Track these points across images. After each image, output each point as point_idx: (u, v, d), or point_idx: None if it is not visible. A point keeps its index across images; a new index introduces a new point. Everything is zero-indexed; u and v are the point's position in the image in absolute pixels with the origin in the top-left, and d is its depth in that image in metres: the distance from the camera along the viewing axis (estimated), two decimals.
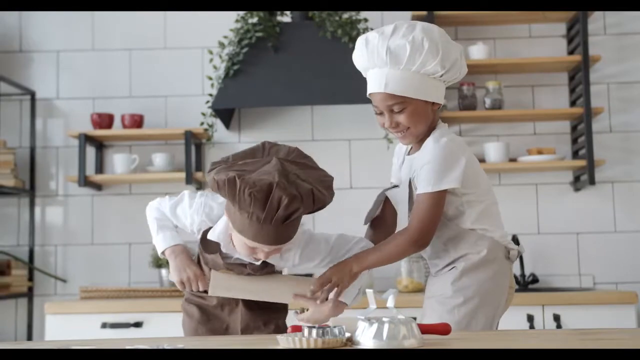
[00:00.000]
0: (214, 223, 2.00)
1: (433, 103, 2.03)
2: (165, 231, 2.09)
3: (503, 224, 2.13)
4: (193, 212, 2.03)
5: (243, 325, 2.11)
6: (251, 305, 2.09)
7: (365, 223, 2.23)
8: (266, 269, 2.02)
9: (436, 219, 1.98)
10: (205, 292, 2.07)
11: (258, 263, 1.98)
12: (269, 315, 2.14)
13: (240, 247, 1.91)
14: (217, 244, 1.99)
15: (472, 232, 2.05)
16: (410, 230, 1.99)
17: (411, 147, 2.15)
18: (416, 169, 2.03)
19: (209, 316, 2.12)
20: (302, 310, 2.06)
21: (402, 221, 2.11)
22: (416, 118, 2.01)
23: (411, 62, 1.95)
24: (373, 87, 2.01)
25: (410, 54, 1.93)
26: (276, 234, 1.82)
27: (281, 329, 2.12)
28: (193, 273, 2.04)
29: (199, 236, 2.05)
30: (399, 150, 2.23)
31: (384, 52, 1.95)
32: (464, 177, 1.99)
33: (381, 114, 2.04)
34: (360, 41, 2.03)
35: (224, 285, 2.03)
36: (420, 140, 2.08)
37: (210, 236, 1.98)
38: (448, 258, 2.09)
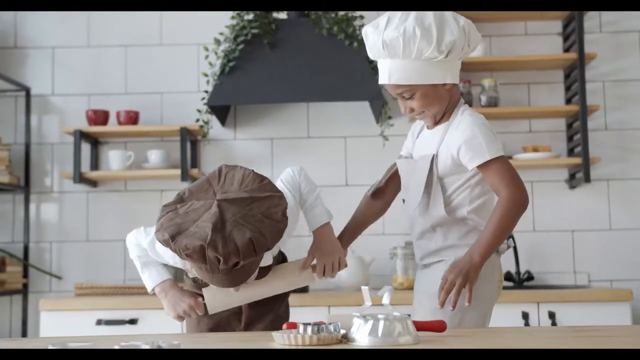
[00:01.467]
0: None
1: (445, 84, 2.04)
2: (150, 268, 2.08)
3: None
4: (173, 256, 1.98)
5: (246, 315, 2.11)
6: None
7: (369, 192, 2.24)
8: (264, 271, 2.02)
9: (516, 175, 2.00)
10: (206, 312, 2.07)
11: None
12: (270, 305, 2.16)
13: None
14: None
15: (463, 223, 2.05)
16: (505, 195, 1.97)
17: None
18: (455, 143, 2.02)
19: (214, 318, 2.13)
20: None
21: (413, 196, 2.09)
22: (427, 101, 2.04)
23: (407, 52, 1.97)
24: (381, 79, 2.06)
25: (404, 45, 1.96)
26: (230, 279, 1.80)
27: (281, 317, 2.16)
28: (187, 305, 2.04)
29: (190, 275, 2.05)
30: (416, 124, 2.23)
31: (381, 45, 1.99)
32: None
33: (396, 99, 2.09)
34: (363, 35, 2.07)
35: (220, 301, 2.03)
36: (441, 119, 2.09)
37: (191, 274, 2.00)
38: (434, 244, 2.09)
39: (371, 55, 2.07)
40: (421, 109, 2.05)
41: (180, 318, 2.07)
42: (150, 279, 2.08)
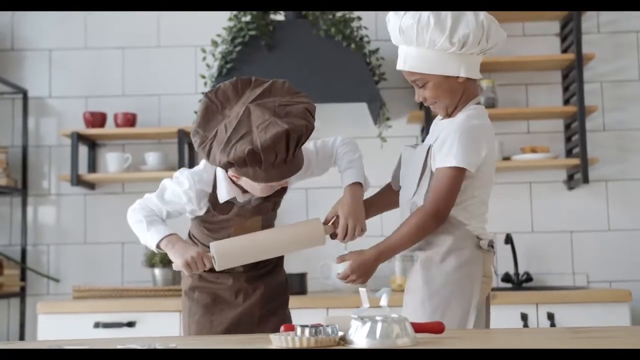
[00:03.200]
0: (209, 187, 2.03)
1: (458, 76, 2.03)
2: (156, 225, 2.07)
3: (485, 219, 2.11)
4: (187, 190, 2.03)
5: (261, 312, 2.11)
6: (266, 288, 2.14)
7: (396, 187, 2.20)
8: (282, 193, 2.10)
9: (454, 193, 1.99)
10: (212, 270, 2.05)
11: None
12: (280, 299, 2.19)
13: (257, 191, 1.97)
14: (229, 204, 2.02)
15: (457, 223, 2.03)
16: (427, 204, 1.99)
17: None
18: (440, 137, 2.03)
19: (222, 304, 2.12)
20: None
21: (408, 183, 2.09)
22: (439, 92, 2.04)
23: (421, 39, 1.99)
24: (398, 63, 2.08)
25: (417, 33, 1.98)
26: (291, 167, 1.91)
27: (288, 315, 2.20)
28: (196, 252, 2.00)
29: (201, 210, 2.05)
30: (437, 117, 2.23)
31: (398, 31, 2.02)
32: (479, 166, 2.01)
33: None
34: (386, 20, 2.09)
35: (228, 254, 1.99)
36: (453, 112, 2.09)
37: (221, 199, 2.02)
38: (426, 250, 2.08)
39: (393, 40, 2.09)
40: (433, 99, 2.06)
41: (187, 267, 2.00)
42: (157, 234, 2.04)
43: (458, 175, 1.98)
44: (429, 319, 1.95)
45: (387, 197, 2.24)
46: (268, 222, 2.15)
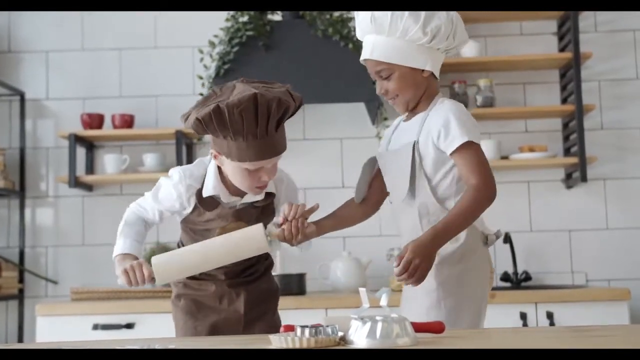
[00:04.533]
0: (199, 183, 2.06)
1: (423, 71, 2.04)
2: (126, 238, 2.11)
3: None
4: (176, 184, 2.06)
5: (246, 318, 2.11)
6: (251, 294, 2.13)
7: (358, 200, 2.21)
8: (268, 200, 2.10)
9: (487, 164, 1.98)
10: (193, 278, 2.10)
11: (261, 197, 2.06)
12: (267, 305, 2.17)
13: (242, 180, 1.98)
14: (215, 200, 2.04)
15: None
16: (474, 182, 1.94)
17: (407, 116, 2.15)
18: (433, 127, 2.00)
19: (206, 310, 2.12)
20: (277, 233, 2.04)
21: (398, 183, 2.07)
22: (403, 84, 2.04)
23: (394, 28, 1.99)
24: (363, 53, 2.08)
25: (391, 21, 1.99)
26: (274, 143, 1.92)
27: (277, 320, 2.18)
28: (136, 262, 2.00)
29: (189, 207, 2.06)
30: (393, 124, 2.22)
31: (369, 19, 2.02)
32: None
33: (375, 83, 2.11)
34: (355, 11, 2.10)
35: (167, 264, 1.95)
36: (414, 110, 2.10)
37: (205, 193, 2.04)
38: None
39: (359, 32, 2.09)
40: (395, 91, 2.05)
41: (126, 275, 1.98)
42: (121, 246, 2.11)
43: (477, 147, 1.98)
44: (445, 319, 1.94)
45: (347, 211, 2.24)
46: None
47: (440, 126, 1.99)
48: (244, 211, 2.08)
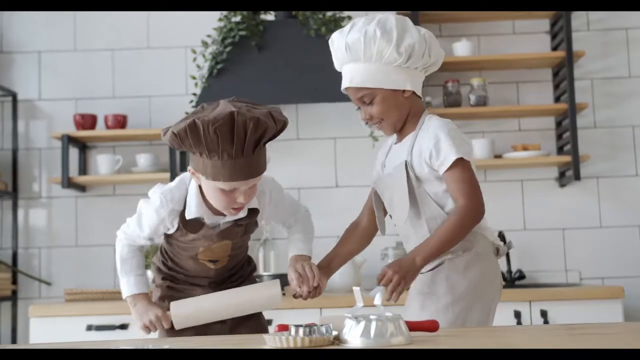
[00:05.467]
0: (181, 205, 2.01)
1: (404, 91, 2.05)
2: (129, 276, 2.10)
3: (486, 220, 2.12)
4: (158, 209, 2.02)
5: (232, 320, 2.11)
6: None
7: (383, 233, 2.21)
8: (252, 217, 2.04)
9: (476, 182, 1.99)
10: (178, 282, 2.12)
11: (244, 214, 2.01)
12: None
13: (218, 200, 1.93)
14: (199, 221, 2.00)
15: None
16: (461, 203, 1.97)
17: (397, 138, 2.16)
18: (424, 146, 2.02)
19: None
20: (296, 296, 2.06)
21: (398, 205, 2.07)
22: (386, 107, 2.05)
23: (368, 53, 2.00)
24: (343, 83, 2.09)
25: (365, 46, 2.00)
26: (249, 165, 1.86)
27: (263, 323, 2.18)
28: (154, 315, 2.04)
29: (173, 229, 2.04)
30: (382, 147, 2.22)
31: (344, 48, 2.03)
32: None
33: (359, 108, 2.10)
34: (329, 43, 2.10)
35: (187, 316, 2.03)
36: (401, 131, 2.11)
37: (189, 216, 1.99)
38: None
39: (337, 64, 2.10)
40: (380, 115, 2.05)
41: (146, 328, 2.06)
42: (127, 286, 2.10)
43: (467, 165, 1.99)
44: (451, 324, 1.95)
45: (349, 247, 2.23)
46: (239, 247, 2.12)
47: (432, 146, 2.00)
48: (228, 230, 2.04)
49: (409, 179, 2.03)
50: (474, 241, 2.03)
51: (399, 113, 2.07)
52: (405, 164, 2.04)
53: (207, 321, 2.07)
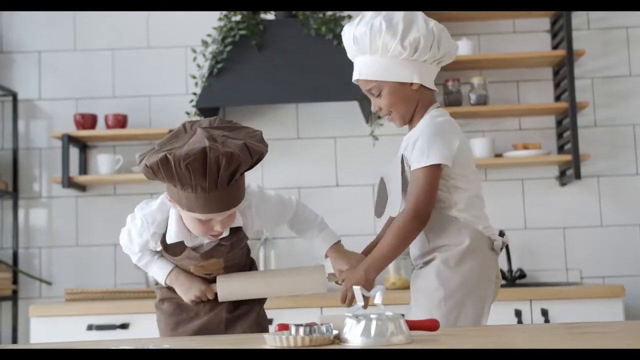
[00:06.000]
0: (163, 228, 1.99)
1: (412, 84, 2.06)
2: (152, 266, 2.11)
3: (487, 216, 2.12)
4: (140, 231, 2.01)
5: (227, 317, 2.11)
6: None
7: (378, 216, 2.20)
8: (236, 235, 2.01)
9: (431, 193, 1.99)
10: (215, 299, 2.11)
11: (226, 234, 1.97)
12: (251, 304, 2.16)
13: (195, 228, 1.90)
14: (180, 245, 1.98)
15: (455, 221, 2.04)
16: (406, 208, 2.00)
17: (408, 129, 2.18)
18: (409, 143, 2.06)
19: (189, 311, 2.12)
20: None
21: (393, 197, 2.09)
22: (394, 100, 2.07)
23: (374, 46, 2.03)
24: (354, 75, 2.11)
25: (371, 40, 2.02)
26: (224, 198, 1.82)
27: (261, 317, 2.16)
28: (198, 290, 2.08)
29: (159, 248, 2.03)
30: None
31: (352, 40, 2.06)
32: (456, 157, 2.02)
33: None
34: (342, 34, 2.13)
35: (231, 291, 2.07)
36: (411, 121, 2.12)
37: (169, 240, 1.97)
38: (427, 246, 2.08)
39: (348, 54, 2.13)
40: (388, 108, 2.09)
41: (194, 302, 2.10)
42: (158, 274, 2.11)
43: (432, 173, 1.99)
44: (445, 319, 1.96)
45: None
46: (232, 259, 2.10)
47: (412, 142, 2.04)
48: (213, 250, 2.03)
49: (403, 173, 2.04)
50: (466, 235, 2.03)
51: (407, 105, 2.08)
52: (402, 158, 2.06)
53: (250, 297, 2.12)
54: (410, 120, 2.12)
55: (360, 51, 2.06)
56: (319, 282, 2.09)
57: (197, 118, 3.73)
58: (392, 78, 2.05)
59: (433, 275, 2.03)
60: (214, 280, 2.09)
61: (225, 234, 1.98)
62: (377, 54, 2.03)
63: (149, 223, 1.99)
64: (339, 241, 2.15)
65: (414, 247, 2.13)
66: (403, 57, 2.02)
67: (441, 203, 2.05)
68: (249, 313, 2.15)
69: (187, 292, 2.09)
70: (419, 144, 2.01)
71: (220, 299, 2.08)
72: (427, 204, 1.98)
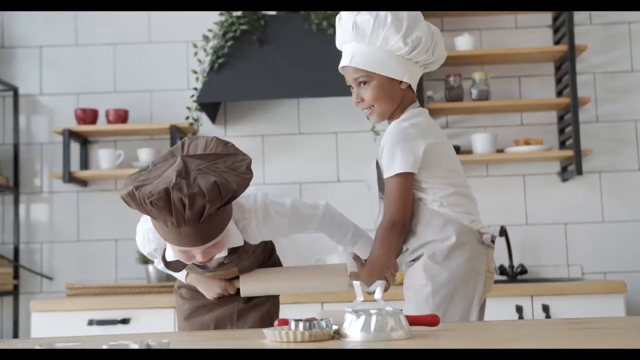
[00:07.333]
0: (163, 244, 1.96)
1: (401, 82, 2.05)
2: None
3: (478, 211, 2.12)
4: (144, 244, 1.99)
5: (239, 307, 2.12)
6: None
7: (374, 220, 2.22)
8: (236, 252, 1.97)
9: (404, 201, 2.01)
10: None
11: (224, 254, 1.93)
12: (262, 297, 2.16)
13: (177, 255, 1.84)
14: (180, 262, 1.95)
15: (439, 215, 2.04)
16: (384, 219, 2.03)
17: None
18: (381, 148, 2.07)
19: (205, 298, 2.13)
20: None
21: (372, 204, 2.13)
22: (379, 94, 2.05)
23: (375, 36, 2.01)
24: (343, 60, 2.09)
25: (373, 28, 2.00)
26: (197, 233, 1.74)
27: (273, 309, 2.18)
28: (219, 287, 2.10)
29: (161, 262, 2.01)
30: None
31: (351, 26, 2.03)
32: (422, 162, 2.02)
33: (353, 89, 2.11)
34: (336, 19, 2.10)
35: (254, 286, 2.08)
36: (390, 120, 2.12)
37: (167, 257, 1.94)
38: (416, 242, 2.08)
39: (339, 40, 2.10)
40: (372, 101, 2.06)
41: (216, 299, 2.13)
42: (179, 274, 2.13)
43: (401, 181, 2.01)
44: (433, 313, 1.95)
45: None
46: (248, 266, 2.08)
47: (381, 150, 2.05)
48: (220, 266, 2.01)
49: (379, 178, 2.07)
50: (451, 231, 2.02)
51: (390, 103, 2.07)
52: (377, 163, 2.09)
53: (271, 294, 2.14)
54: (389, 118, 2.11)
55: (357, 39, 2.03)
56: (342, 282, 2.09)
57: (199, 113, 3.73)
58: (385, 72, 2.03)
59: (421, 271, 2.03)
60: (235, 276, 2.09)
61: (224, 254, 1.93)
62: (375, 45, 2.01)
63: (149, 239, 1.96)
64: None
65: (404, 244, 2.13)
66: (400, 54, 2.01)
67: (424, 200, 2.05)
68: (263, 304, 2.15)
69: (209, 289, 2.11)
70: (385, 153, 2.03)
71: (242, 295, 2.09)
72: (402, 213, 2.02)
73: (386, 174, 2.02)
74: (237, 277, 2.09)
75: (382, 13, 1.99)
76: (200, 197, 1.67)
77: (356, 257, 2.13)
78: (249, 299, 2.15)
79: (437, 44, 2.05)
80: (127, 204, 1.74)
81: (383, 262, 2.04)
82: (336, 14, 3.59)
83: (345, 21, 2.05)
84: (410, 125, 2.04)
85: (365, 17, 2.00)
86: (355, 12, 2.03)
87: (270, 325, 1.95)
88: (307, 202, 2.07)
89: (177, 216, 1.70)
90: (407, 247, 2.12)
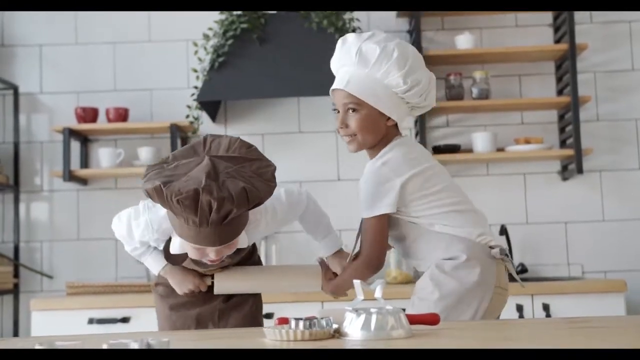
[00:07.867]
0: (167, 236, 1.96)
1: (388, 119, 2.04)
2: (146, 257, 2.09)
3: (483, 222, 2.09)
4: (144, 232, 1.98)
5: (221, 307, 2.11)
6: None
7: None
8: (242, 252, 2.01)
9: (380, 241, 2.04)
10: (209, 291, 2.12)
11: (230, 252, 1.93)
12: (243, 297, 2.17)
13: (189, 251, 1.86)
14: (182, 255, 1.96)
15: (442, 236, 2.02)
16: (360, 257, 2.07)
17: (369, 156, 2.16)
18: (358, 189, 2.07)
19: (182, 296, 2.13)
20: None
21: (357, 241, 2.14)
22: (366, 124, 2.02)
23: (377, 67, 1.99)
24: (336, 83, 2.05)
25: (378, 58, 1.98)
26: (217, 234, 1.77)
27: (256, 309, 2.17)
28: (192, 283, 2.09)
29: (162, 253, 2.02)
30: None
31: (355, 51, 2.00)
32: (403, 196, 2.00)
33: (339, 113, 2.07)
34: (339, 41, 2.07)
35: (227, 285, 2.10)
36: (370, 152, 2.10)
37: (172, 250, 1.94)
38: (425, 265, 2.07)
39: (336, 62, 2.07)
40: (356, 129, 2.03)
41: (188, 295, 2.12)
42: (153, 265, 2.11)
43: (376, 223, 2.02)
44: None
45: None
46: (235, 263, 2.10)
47: (358, 190, 2.05)
48: (215, 265, 2.03)
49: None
50: (460, 249, 2.00)
51: (373, 136, 2.05)
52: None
53: (244, 292, 2.15)
54: (370, 150, 2.09)
55: (358, 65, 2.00)
56: (314, 283, 2.15)
57: (199, 112, 3.73)
58: (377, 104, 2.00)
59: (428, 279, 2.02)
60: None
61: (230, 252, 1.93)
62: (374, 76, 1.99)
63: (153, 229, 1.96)
64: (341, 249, 2.19)
65: (414, 258, 2.12)
66: (396, 90, 2.00)
67: (422, 225, 2.04)
68: (243, 304, 2.15)
69: (181, 284, 2.10)
70: (360, 195, 2.03)
71: (215, 292, 2.10)
72: (377, 253, 2.04)
73: (363, 214, 2.03)
74: (210, 275, 2.10)
75: (390, 46, 1.97)
76: (228, 201, 1.70)
77: (322, 263, 2.17)
78: (229, 298, 2.15)
79: (431, 91, 2.05)
80: (150, 197, 1.76)
81: (349, 286, 2.09)
82: (336, 14, 3.61)
83: (350, 46, 2.02)
84: (382, 164, 2.02)
85: (371, 46, 1.98)
86: (363, 38, 2.00)
87: (254, 325, 1.96)
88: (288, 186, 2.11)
89: (202, 217, 1.72)
90: (417, 271, 2.14)
